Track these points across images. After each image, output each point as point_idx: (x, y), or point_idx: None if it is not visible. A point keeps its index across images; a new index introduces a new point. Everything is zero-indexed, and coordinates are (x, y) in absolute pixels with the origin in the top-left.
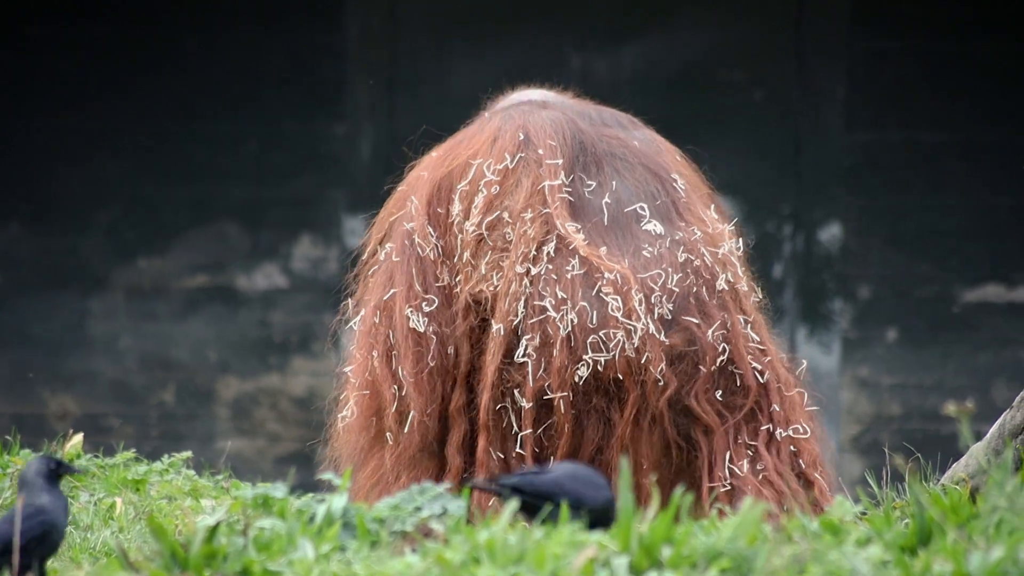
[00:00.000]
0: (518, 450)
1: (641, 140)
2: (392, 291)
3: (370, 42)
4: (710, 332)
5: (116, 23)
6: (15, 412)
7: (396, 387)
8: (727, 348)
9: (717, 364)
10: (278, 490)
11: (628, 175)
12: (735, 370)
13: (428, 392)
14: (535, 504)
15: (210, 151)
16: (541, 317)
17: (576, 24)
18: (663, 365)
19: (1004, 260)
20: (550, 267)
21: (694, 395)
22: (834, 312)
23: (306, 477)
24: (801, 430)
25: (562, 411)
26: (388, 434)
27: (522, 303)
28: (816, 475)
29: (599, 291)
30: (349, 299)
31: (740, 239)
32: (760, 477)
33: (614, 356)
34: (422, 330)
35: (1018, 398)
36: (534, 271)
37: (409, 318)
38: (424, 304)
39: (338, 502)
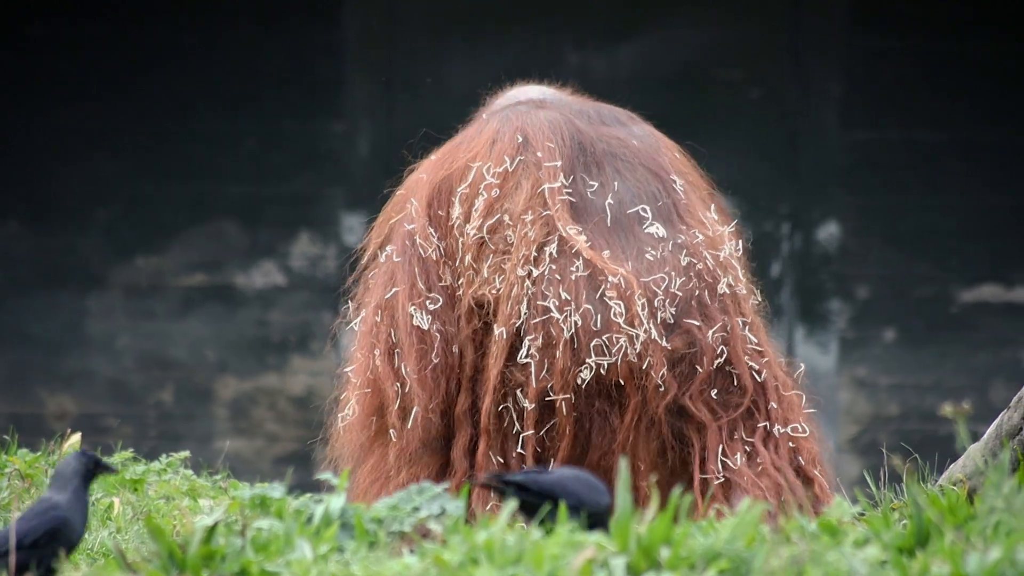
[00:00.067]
0: (519, 450)
1: (640, 138)
2: (394, 290)
3: (369, 41)
4: (710, 334)
5: (115, 22)
6: (13, 412)
7: (399, 384)
8: (725, 350)
9: (714, 365)
10: (276, 490)
11: (629, 176)
12: (732, 370)
13: (432, 388)
14: (535, 504)
15: (208, 150)
16: (544, 317)
17: (574, 23)
18: (664, 370)
19: (1002, 260)
20: (553, 268)
21: (689, 395)
22: (832, 312)
23: (304, 477)
24: (800, 429)
25: (564, 413)
26: (391, 431)
27: (524, 304)
28: (815, 472)
29: (603, 295)
30: (349, 302)
31: (740, 241)
32: (758, 470)
33: (616, 361)
34: (426, 327)
35: (1015, 398)
36: (536, 272)
37: (413, 316)
38: (428, 303)
39: (336, 502)
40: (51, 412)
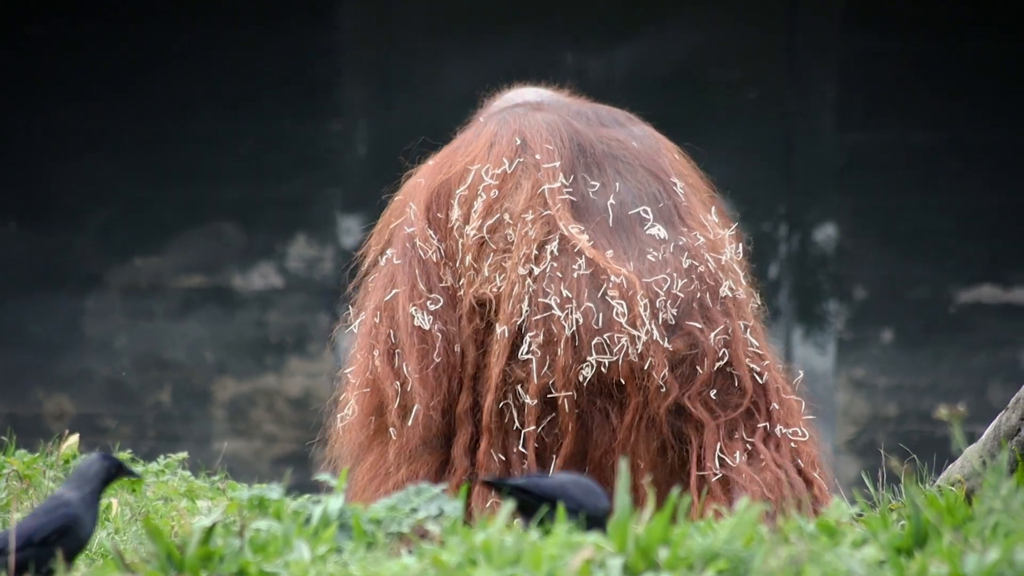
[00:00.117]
0: (520, 448)
1: (640, 140)
2: (394, 292)
3: (365, 42)
4: (712, 336)
5: (112, 23)
6: (11, 412)
7: (398, 383)
8: (726, 352)
9: (715, 367)
10: (274, 491)
11: (630, 177)
12: (732, 371)
13: (433, 387)
14: (535, 506)
15: (205, 151)
16: (545, 315)
17: (570, 23)
18: (665, 371)
19: (999, 261)
20: (555, 266)
21: (688, 396)
22: (829, 313)
23: (302, 478)
24: (800, 433)
25: (566, 410)
26: (391, 429)
27: (526, 302)
28: (815, 475)
29: (604, 294)
30: (349, 306)
31: (740, 244)
32: (760, 467)
33: (617, 360)
34: (427, 327)
35: (1013, 399)
36: (537, 271)
37: (414, 316)
38: (429, 303)
39: (334, 503)
40: (49, 413)
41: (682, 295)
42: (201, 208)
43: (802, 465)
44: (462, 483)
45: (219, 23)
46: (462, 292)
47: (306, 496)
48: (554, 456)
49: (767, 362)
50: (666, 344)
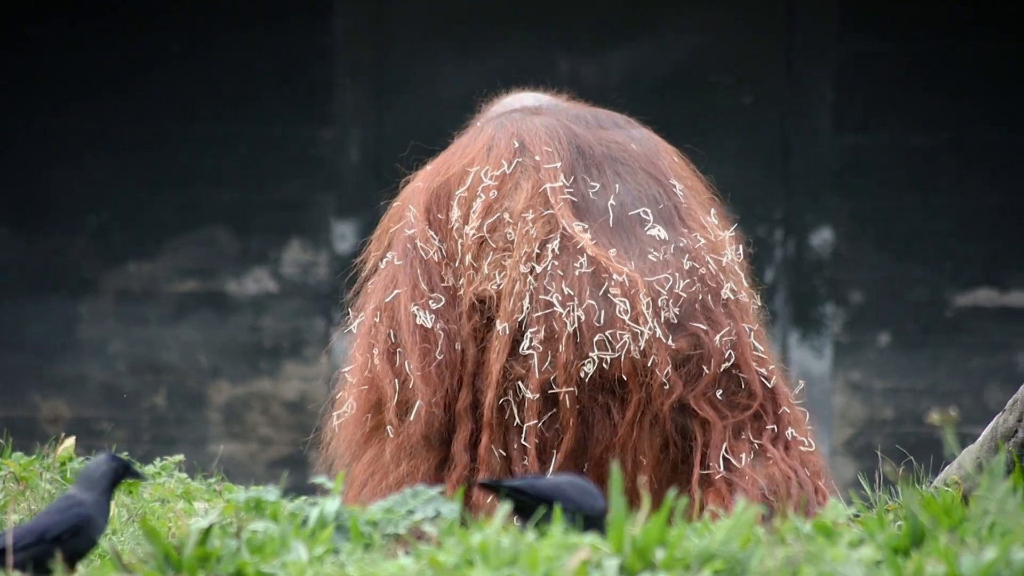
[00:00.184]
0: (522, 442)
1: (639, 142)
2: (395, 292)
3: (359, 47)
4: (717, 338)
5: (107, 27)
6: (6, 415)
7: (398, 382)
8: (732, 354)
9: (721, 368)
10: (271, 493)
11: (630, 179)
12: (739, 375)
13: (436, 384)
14: (532, 507)
15: (199, 155)
16: (547, 312)
17: (564, 28)
18: (669, 369)
19: (996, 264)
20: (556, 264)
21: (694, 395)
22: (826, 316)
23: (298, 481)
24: (807, 444)
25: (567, 406)
26: (389, 427)
27: (527, 299)
28: (820, 484)
29: (606, 292)
30: (349, 309)
31: (740, 246)
32: (768, 464)
33: (620, 357)
34: (429, 326)
35: (1011, 401)
36: (539, 269)
37: (416, 315)
38: (431, 302)
39: (331, 505)
40: (45, 416)
41: (684, 295)
42: (195, 213)
43: (809, 473)
44: (462, 479)
45: (214, 27)
46: (462, 292)
47: (303, 498)
48: (555, 452)
49: (772, 367)
50: (670, 342)
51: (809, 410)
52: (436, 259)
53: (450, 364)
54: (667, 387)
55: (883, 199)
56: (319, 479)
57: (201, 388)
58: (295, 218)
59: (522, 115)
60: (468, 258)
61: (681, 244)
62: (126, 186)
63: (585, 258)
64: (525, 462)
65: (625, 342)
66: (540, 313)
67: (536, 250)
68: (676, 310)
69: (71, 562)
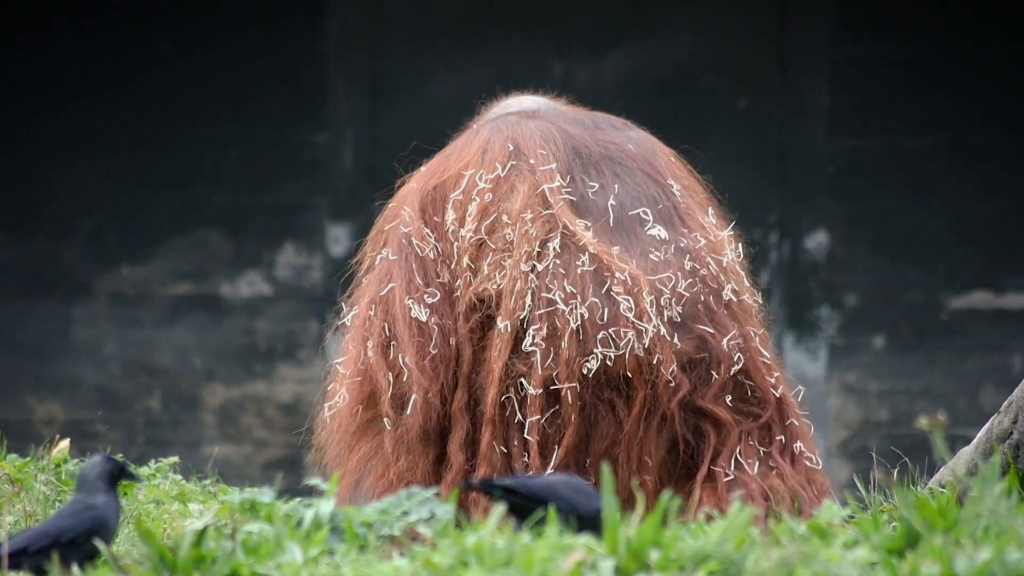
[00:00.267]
0: (525, 436)
1: (637, 143)
2: (390, 286)
3: (352, 50)
4: (724, 342)
5: (100, 29)
6: (1, 418)
7: (392, 375)
8: (741, 358)
9: (731, 372)
10: (265, 495)
11: (628, 179)
12: (748, 382)
13: (431, 376)
14: (526, 507)
15: (193, 158)
16: (549, 309)
17: (559, 31)
18: (674, 367)
19: (991, 267)
20: (557, 262)
21: (705, 397)
22: (821, 319)
23: (293, 482)
24: (813, 460)
25: (569, 402)
26: (386, 419)
27: (529, 297)
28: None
29: (609, 290)
30: (342, 304)
31: (739, 246)
32: (772, 474)
33: (624, 354)
34: (424, 320)
35: (1006, 403)
36: (540, 267)
37: (411, 308)
38: (426, 296)
39: (326, 506)
40: (39, 418)
41: (687, 295)
42: (189, 216)
43: (816, 492)
44: (457, 479)
45: (208, 30)
46: (459, 293)
47: (297, 500)
48: (556, 447)
49: (778, 375)
50: (675, 341)
51: (805, 412)
52: (432, 256)
53: (445, 359)
54: (673, 385)
55: (878, 202)
56: (314, 481)
57: (195, 390)
58: (289, 221)
59: (517, 118)
60: (466, 260)
61: (681, 244)
62: (120, 189)
63: (587, 256)
64: (526, 458)
65: (629, 340)
66: (542, 311)
67: (536, 249)
68: (679, 309)
69: (85, 564)
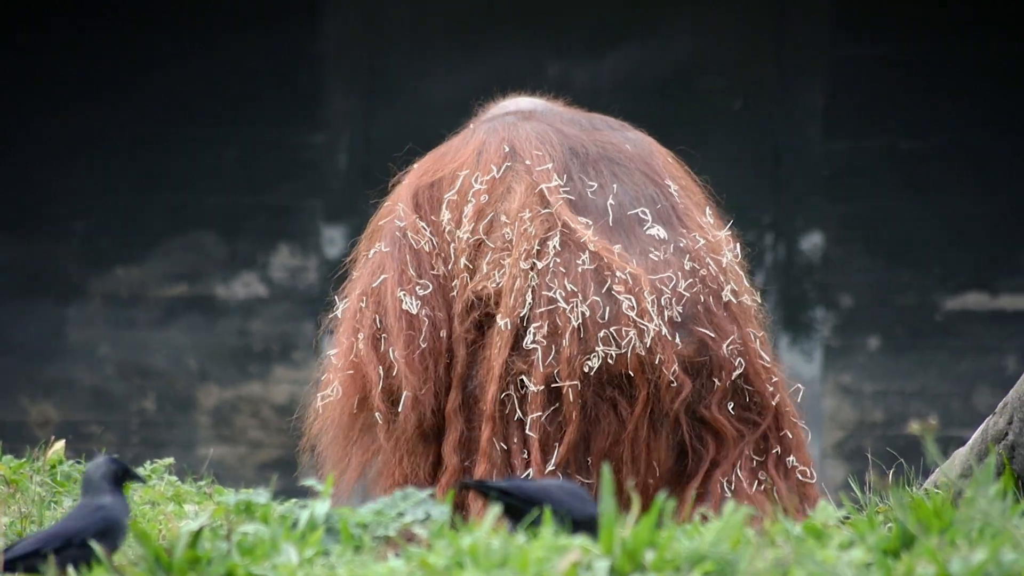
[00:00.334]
0: (527, 432)
1: (634, 143)
2: (382, 277)
3: (348, 52)
4: (724, 346)
5: (94, 33)
6: None
7: (382, 369)
8: (743, 362)
9: (732, 377)
10: (261, 496)
11: (626, 179)
12: (747, 387)
13: (420, 371)
14: (520, 509)
15: (187, 160)
16: (550, 307)
17: (555, 33)
18: (676, 367)
19: (986, 268)
20: (558, 261)
21: (707, 405)
22: (816, 320)
23: (288, 483)
24: (808, 474)
25: (570, 400)
26: (377, 413)
27: (529, 295)
28: None
29: (610, 289)
30: (335, 300)
31: (737, 246)
32: (765, 491)
33: (625, 353)
34: (415, 312)
35: (1001, 404)
36: (540, 265)
37: (402, 300)
38: (418, 288)
39: (321, 507)
40: (34, 419)
41: (687, 294)
42: (184, 217)
43: (808, 508)
44: (452, 481)
45: (204, 31)
46: (455, 293)
47: (293, 501)
48: (557, 445)
49: (776, 379)
50: (677, 341)
51: (800, 413)
52: (427, 249)
53: (434, 353)
54: (675, 386)
55: (873, 203)
56: (309, 482)
57: (190, 392)
58: (284, 223)
59: (514, 119)
60: (463, 260)
61: (681, 244)
62: (115, 190)
63: (587, 254)
64: (525, 455)
65: (631, 338)
66: (543, 309)
67: (536, 247)
68: (679, 309)
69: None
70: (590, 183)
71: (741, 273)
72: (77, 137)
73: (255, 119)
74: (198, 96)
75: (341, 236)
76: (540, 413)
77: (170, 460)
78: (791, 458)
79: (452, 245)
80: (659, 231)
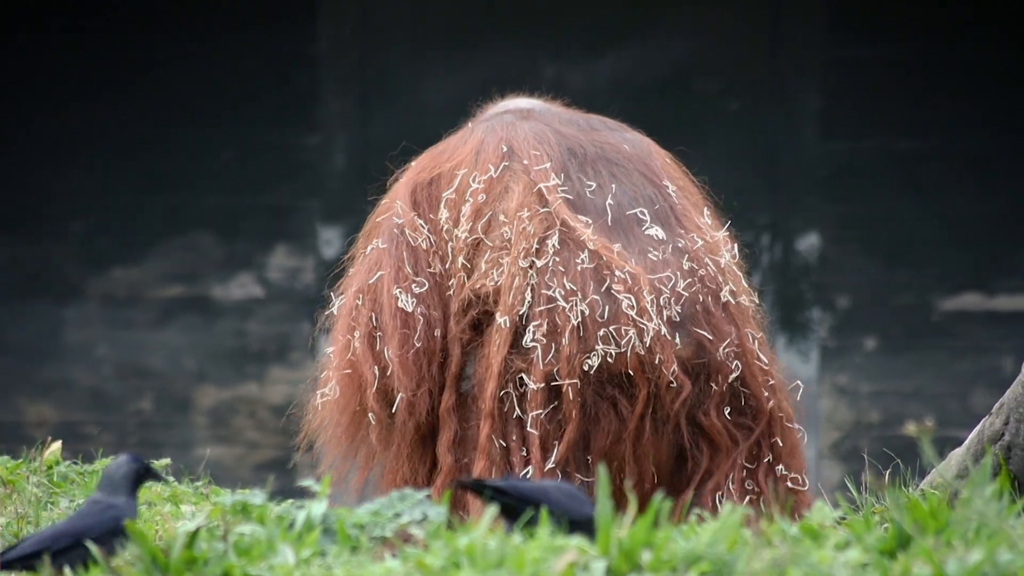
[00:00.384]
0: (529, 429)
1: (632, 143)
2: (379, 274)
3: (343, 53)
4: (721, 348)
5: (91, 34)
6: None
7: (378, 368)
8: (739, 365)
9: (729, 381)
10: (257, 496)
11: (624, 179)
12: (744, 390)
13: (414, 372)
14: (517, 509)
15: (184, 161)
16: (549, 306)
17: (550, 34)
18: (675, 367)
19: (982, 268)
20: (557, 259)
21: (705, 411)
22: (812, 321)
23: (285, 484)
24: (800, 481)
25: (570, 398)
26: (370, 414)
27: (528, 293)
28: None
29: (609, 288)
30: (332, 296)
31: (735, 247)
32: (757, 504)
33: (625, 352)
34: (410, 310)
35: (997, 404)
36: (539, 263)
37: (398, 298)
38: (414, 286)
39: (318, 508)
40: (31, 420)
41: (686, 294)
42: (181, 218)
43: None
44: (446, 481)
45: (199, 33)
46: (451, 292)
47: (289, 501)
48: (556, 443)
49: (772, 382)
50: (676, 341)
51: (798, 414)
52: (424, 246)
53: (428, 352)
54: (675, 385)
55: (869, 204)
56: (306, 482)
57: (187, 392)
58: (281, 223)
59: (513, 118)
60: (461, 260)
61: (679, 245)
62: (112, 191)
63: (586, 253)
64: (524, 453)
65: (630, 337)
66: (542, 307)
67: (535, 245)
68: (678, 309)
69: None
70: (588, 183)
71: (739, 274)
72: (74, 138)
73: (252, 120)
74: (196, 97)
75: (338, 237)
76: (539, 411)
77: (167, 460)
78: (780, 466)
79: (450, 244)
80: (657, 231)
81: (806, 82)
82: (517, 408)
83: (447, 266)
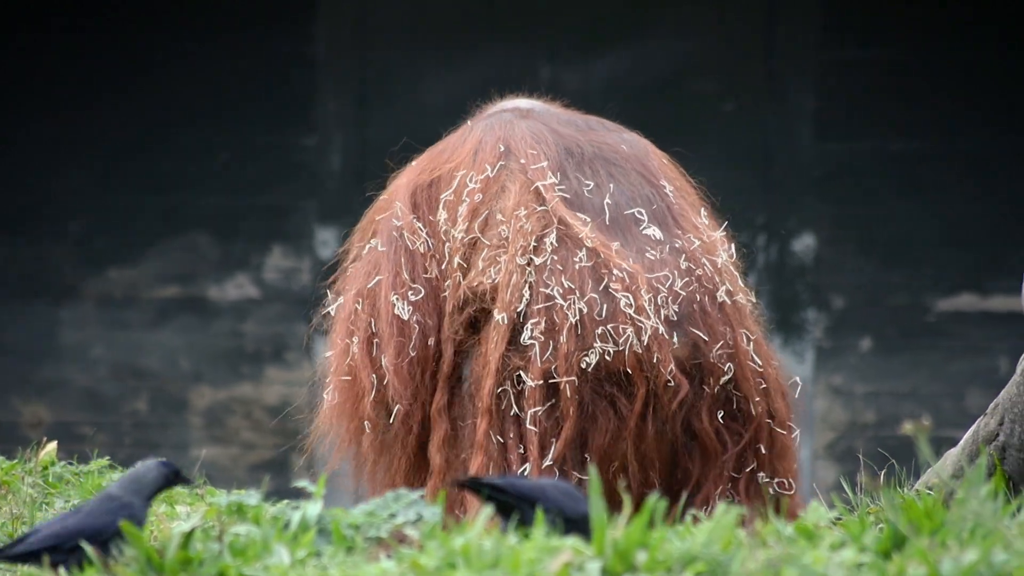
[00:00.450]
0: (528, 426)
1: (630, 144)
2: (377, 278)
3: (341, 54)
4: (715, 349)
5: (88, 35)
6: None
7: (375, 375)
8: (731, 367)
9: (721, 383)
10: (252, 497)
11: (622, 179)
12: (736, 393)
13: (408, 381)
14: (513, 507)
15: (181, 161)
16: (547, 304)
17: (547, 36)
18: (672, 366)
19: (977, 269)
20: (555, 257)
21: (697, 414)
22: (807, 322)
23: (280, 484)
24: (787, 485)
25: (568, 396)
26: (366, 423)
27: (526, 291)
28: None
29: (607, 286)
30: (328, 296)
31: (732, 247)
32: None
33: (623, 350)
34: (406, 318)
35: (992, 405)
36: (537, 261)
37: (395, 305)
38: (410, 293)
39: (313, 508)
40: (26, 420)
41: (683, 294)
42: (177, 219)
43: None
44: (438, 481)
45: (196, 35)
46: (446, 294)
47: (285, 502)
48: (554, 440)
49: (765, 386)
50: (673, 341)
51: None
52: (422, 250)
53: (422, 361)
54: (672, 385)
55: (865, 205)
56: (301, 483)
57: (183, 393)
58: (277, 224)
59: (511, 117)
60: (457, 259)
61: (676, 244)
62: (108, 192)
63: (584, 251)
64: (522, 450)
65: (628, 336)
66: (540, 305)
67: (532, 243)
68: (675, 308)
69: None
70: (586, 182)
71: (736, 274)
72: (73, 138)
73: (247, 121)
74: (193, 98)
75: (334, 238)
76: (537, 409)
77: None
78: (768, 472)
79: (447, 245)
80: (655, 231)
81: (802, 83)
82: (515, 405)
83: (443, 267)
